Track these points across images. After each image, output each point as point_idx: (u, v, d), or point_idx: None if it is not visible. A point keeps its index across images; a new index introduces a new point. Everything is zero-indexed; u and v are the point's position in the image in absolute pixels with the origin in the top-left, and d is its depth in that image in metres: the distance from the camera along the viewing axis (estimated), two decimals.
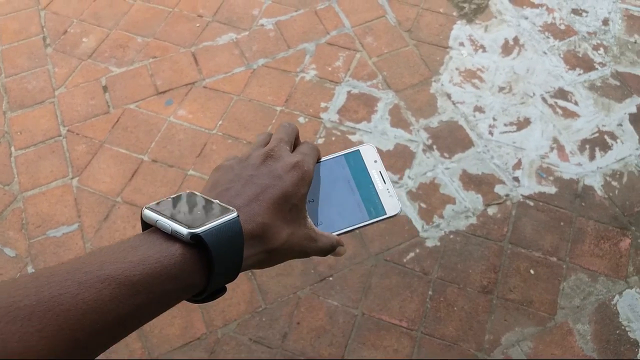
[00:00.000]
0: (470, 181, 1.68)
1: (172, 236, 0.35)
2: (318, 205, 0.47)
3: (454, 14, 2.09)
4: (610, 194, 1.65)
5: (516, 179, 1.68)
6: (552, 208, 1.63)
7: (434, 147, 1.75)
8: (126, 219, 1.62)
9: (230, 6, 2.12)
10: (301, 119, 1.81)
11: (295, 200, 0.42)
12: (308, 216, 0.44)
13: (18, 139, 1.79)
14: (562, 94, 1.87)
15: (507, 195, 1.65)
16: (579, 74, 1.92)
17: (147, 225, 0.37)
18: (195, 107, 1.85)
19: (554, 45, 2.00)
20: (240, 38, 2.03)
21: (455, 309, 1.47)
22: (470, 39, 2.01)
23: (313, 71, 1.93)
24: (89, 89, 1.90)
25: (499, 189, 1.66)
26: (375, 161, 0.49)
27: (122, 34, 2.05)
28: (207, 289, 0.36)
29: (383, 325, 1.44)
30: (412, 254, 1.54)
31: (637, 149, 1.75)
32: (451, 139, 1.76)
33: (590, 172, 1.70)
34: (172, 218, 0.36)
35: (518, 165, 1.71)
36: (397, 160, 1.72)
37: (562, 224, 1.60)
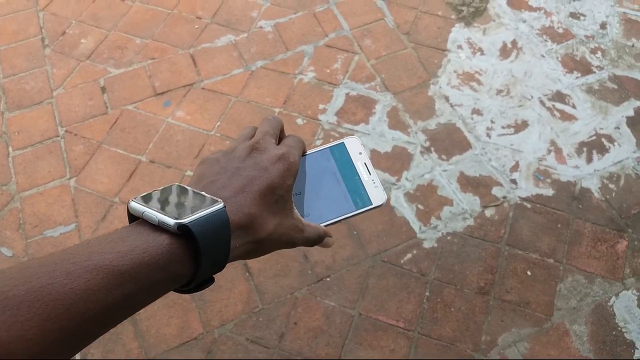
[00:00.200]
0: (468, 183, 1.68)
1: (160, 227, 0.36)
2: (304, 197, 0.47)
3: (453, 16, 2.10)
4: (608, 197, 1.66)
5: (513, 181, 1.68)
6: (550, 210, 1.63)
7: (432, 149, 1.75)
8: (124, 220, 1.61)
9: (229, 8, 2.12)
10: (299, 121, 1.81)
11: (282, 192, 0.42)
12: (295, 208, 0.44)
13: (16, 139, 1.79)
14: (559, 97, 1.88)
15: (504, 197, 1.65)
16: (577, 77, 1.92)
17: (133, 218, 0.38)
18: (193, 109, 1.85)
19: (552, 49, 2.00)
20: (239, 40, 2.03)
21: (452, 309, 1.47)
22: (469, 41, 2.02)
23: (311, 73, 1.93)
24: (87, 89, 1.91)
25: (496, 191, 1.67)
26: (360, 153, 0.50)
27: (121, 35, 2.05)
28: (195, 279, 0.36)
29: (380, 326, 1.44)
30: (409, 255, 1.55)
31: (634, 152, 1.75)
32: (449, 141, 1.77)
33: (587, 174, 1.70)
34: (159, 209, 0.36)
35: (515, 167, 1.71)
36: (395, 162, 1.72)
37: (559, 226, 1.60)
